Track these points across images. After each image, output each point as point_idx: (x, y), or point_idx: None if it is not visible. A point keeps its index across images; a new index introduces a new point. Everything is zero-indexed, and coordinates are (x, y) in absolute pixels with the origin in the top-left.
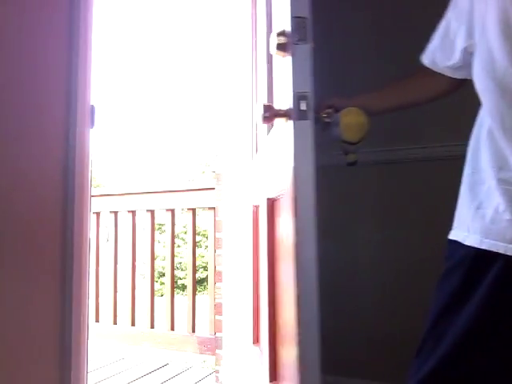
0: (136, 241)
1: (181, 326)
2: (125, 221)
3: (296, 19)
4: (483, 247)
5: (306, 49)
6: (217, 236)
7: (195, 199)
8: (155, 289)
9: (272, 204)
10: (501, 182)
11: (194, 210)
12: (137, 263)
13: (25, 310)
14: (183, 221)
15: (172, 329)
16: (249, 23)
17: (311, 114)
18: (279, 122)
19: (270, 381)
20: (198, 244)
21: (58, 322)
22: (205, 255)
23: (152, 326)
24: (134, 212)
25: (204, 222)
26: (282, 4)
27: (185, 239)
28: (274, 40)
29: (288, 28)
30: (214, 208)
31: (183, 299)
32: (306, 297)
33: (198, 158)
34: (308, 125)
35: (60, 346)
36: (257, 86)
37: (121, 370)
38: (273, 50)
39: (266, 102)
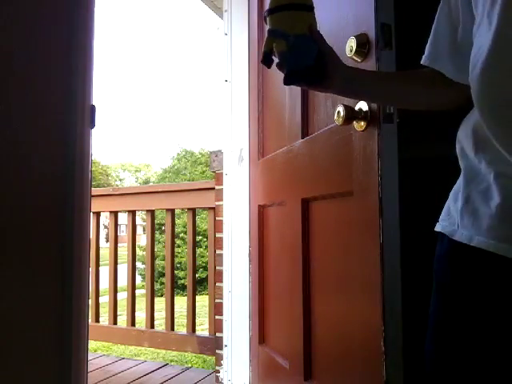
0: (136, 241)
1: (181, 326)
2: (125, 221)
3: (382, 26)
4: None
5: (392, 55)
6: (217, 236)
7: (195, 199)
8: (155, 289)
9: (307, 204)
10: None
11: (193, 210)
12: (137, 263)
13: (24, 310)
14: (183, 221)
15: (172, 329)
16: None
17: (396, 117)
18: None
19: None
20: (197, 244)
21: (57, 321)
22: (205, 255)
23: (152, 326)
24: (133, 212)
25: (204, 221)
26: (350, 8)
27: (185, 239)
28: (353, 44)
29: (371, 33)
30: (214, 208)
31: (183, 299)
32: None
33: (198, 157)
34: (394, 127)
35: (60, 346)
36: (262, 89)
37: (121, 369)
38: (349, 53)
39: (345, 104)
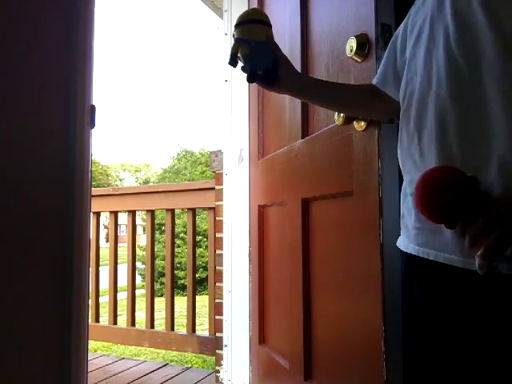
0: (136, 241)
1: (181, 326)
2: (125, 221)
3: (382, 26)
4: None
5: None
6: (217, 236)
7: (195, 199)
8: (155, 289)
9: (307, 204)
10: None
11: (193, 210)
12: (137, 263)
13: (24, 310)
14: (183, 221)
15: (172, 329)
16: None
17: (396, 118)
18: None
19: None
20: (198, 244)
21: (57, 321)
22: (205, 255)
23: (152, 326)
24: (133, 212)
25: (204, 221)
26: (350, 9)
27: (185, 239)
28: (353, 44)
29: (371, 33)
30: (214, 208)
31: (183, 299)
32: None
33: (198, 157)
34: (394, 127)
35: (60, 346)
36: (262, 89)
37: (121, 369)
38: (349, 53)
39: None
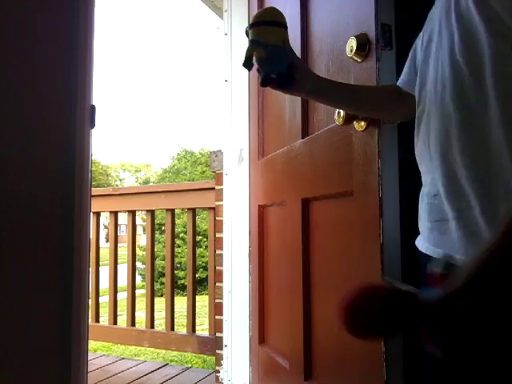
0: (136, 241)
1: (181, 326)
2: (125, 221)
3: (383, 26)
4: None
5: (392, 55)
6: (217, 236)
7: (195, 199)
8: (155, 289)
9: (307, 204)
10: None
11: (193, 210)
12: (137, 263)
13: (24, 310)
14: (183, 221)
15: (172, 329)
16: None
17: None
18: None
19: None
20: (198, 244)
21: (57, 322)
22: (205, 255)
23: (152, 326)
24: (133, 212)
25: (204, 221)
26: (350, 9)
27: (185, 239)
28: (353, 44)
29: (371, 33)
30: (214, 208)
31: (183, 299)
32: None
33: (198, 157)
34: (394, 127)
35: (60, 346)
36: (262, 89)
37: (121, 369)
38: (349, 53)
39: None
